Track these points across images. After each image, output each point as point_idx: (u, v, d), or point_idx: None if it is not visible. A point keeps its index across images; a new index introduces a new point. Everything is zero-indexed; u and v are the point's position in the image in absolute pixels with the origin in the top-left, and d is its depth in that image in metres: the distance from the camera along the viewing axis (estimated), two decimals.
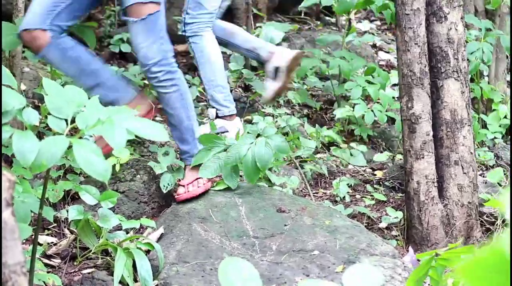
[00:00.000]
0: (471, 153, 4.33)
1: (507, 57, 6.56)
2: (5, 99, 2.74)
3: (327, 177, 5.19)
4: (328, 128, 5.81)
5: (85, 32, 4.57)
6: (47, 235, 4.15)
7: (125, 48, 7.14)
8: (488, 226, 4.51)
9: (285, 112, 5.91)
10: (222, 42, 5.50)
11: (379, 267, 3.68)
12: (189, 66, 7.23)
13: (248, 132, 4.43)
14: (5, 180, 1.88)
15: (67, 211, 4.13)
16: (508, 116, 6.06)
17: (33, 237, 3.23)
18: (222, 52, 6.49)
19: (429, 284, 2.72)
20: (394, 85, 6.56)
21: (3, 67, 3.27)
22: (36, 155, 2.55)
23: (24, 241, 3.87)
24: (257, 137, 4.31)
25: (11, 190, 1.90)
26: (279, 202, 4.21)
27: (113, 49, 7.19)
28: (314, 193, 4.92)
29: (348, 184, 5.02)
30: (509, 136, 6.06)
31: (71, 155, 4.02)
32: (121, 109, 2.80)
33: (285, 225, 4.00)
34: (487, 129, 6.02)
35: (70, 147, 2.65)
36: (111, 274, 3.71)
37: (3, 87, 2.79)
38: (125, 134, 2.69)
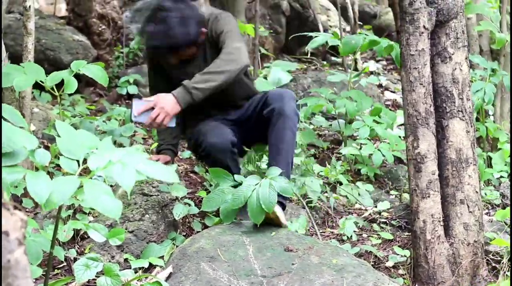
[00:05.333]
0: (477, 192, 4.35)
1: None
2: (17, 140, 2.79)
3: (334, 216, 5.22)
4: (335, 168, 5.85)
5: (95, 72, 4.60)
6: (57, 274, 4.18)
7: (132, 89, 7.18)
8: (494, 264, 4.52)
9: None
10: None
11: None
12: None
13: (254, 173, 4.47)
14: (18, 220, 1.92)
15: (77, 251, 4.17)
16: None
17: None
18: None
19: None
20: (401, 125, 6.61)
21: (13, 109, 3.34)
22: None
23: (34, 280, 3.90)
24: (262, 178, 4.36)
25: (23, 229, 1.94)
26: (287, 241, 4.24)
27: (120, 92, 7.24)
28: (321, 232, 4.94)
29: (355, 223, 5.04)
30: None
31: (80, 194, 4.07)
32: (132, 150, 2.85)
33: (293, 264, 4.02)
34: (493, 168, 6.04)
35: (80, 186, 2.70)
36: None
37: (15, 128, 2.84)
38: (134, 176, 2.73)
